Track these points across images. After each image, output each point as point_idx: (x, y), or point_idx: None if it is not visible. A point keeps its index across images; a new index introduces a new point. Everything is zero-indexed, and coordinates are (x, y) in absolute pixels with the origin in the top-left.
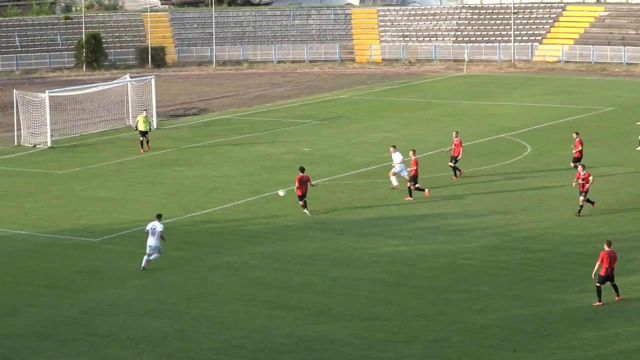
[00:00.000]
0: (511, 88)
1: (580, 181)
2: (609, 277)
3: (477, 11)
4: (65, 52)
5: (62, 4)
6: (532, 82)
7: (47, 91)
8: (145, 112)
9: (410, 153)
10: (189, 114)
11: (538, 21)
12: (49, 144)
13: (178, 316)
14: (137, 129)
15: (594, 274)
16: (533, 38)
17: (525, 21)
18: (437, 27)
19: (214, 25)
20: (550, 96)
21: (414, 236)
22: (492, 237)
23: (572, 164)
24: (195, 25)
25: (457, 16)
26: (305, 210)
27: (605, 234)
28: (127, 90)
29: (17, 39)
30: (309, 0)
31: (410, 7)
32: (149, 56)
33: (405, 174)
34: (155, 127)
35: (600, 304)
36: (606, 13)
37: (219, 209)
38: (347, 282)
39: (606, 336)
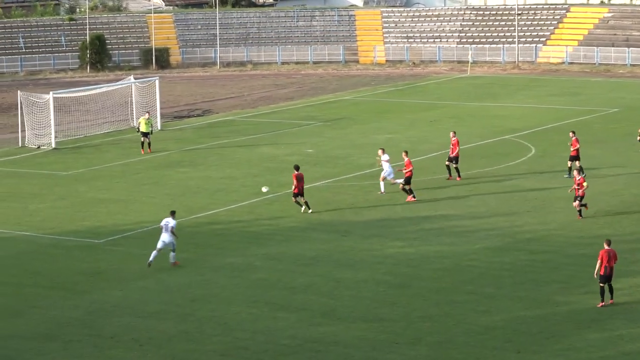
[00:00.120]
0: (515, 89)
1: (575, 186)
2: (609, 276)
3: (481, 12)
4: (70, 54)
5: (66, 6)
6: (536, 83)
7: (51, 92)
8: (147, 114)
9: (403, 154)
10: (193, 115)
11: (542, 22)
12: (53, 145)
13: (182, 317)
14: (138, 130)
15: (596, 274)
16: (537, 39)
17: (529, 22)
18: (441, 29)
19: (217, 27)
20: (554, 97)
21: (418, 237)
22: (497, 239)
23: (569, 163)
24: (199, 27)
25: (461, 17)
26: (304, 207)
27: (609, 236)
28: (131, 91)
29: (21, 40)
30: (313, 2)
31: (414, 9)
32: (153, 57)
33: (391, 177)
34: (159, 128)
35: (604, 304)
36: (610, 14)
37: (223, 210)
38: (351, 284)
39: (610, 338)
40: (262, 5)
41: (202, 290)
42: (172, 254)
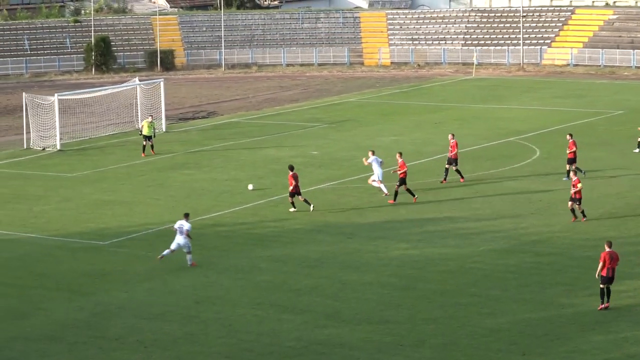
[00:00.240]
0: (520, 91)
1: (573, 188)
2: (611, 278)
3: (486, 14)
4: (75, 55)
5: (72, 7)
6: (541, 85)
7: (56, 94)
8: (150, 117)
9: (397, 156)
10: (198, 117)
11: (547, 24)
12: (58, 147)
13: (187, 319)
14: (140, 133)
15: (597, 275)
16: (542, 41)
17: (534, 24)
18: (446, 31)
19: (222, 29)
20: (559, 99)
21: (423, 240)
22: (502, 241)
23: (567, 166)
24: (204, 29)
25: (466, 19)
26: (301, 205)
27: (614, 238)
28: (136, 93)
29: (26, 42)
30: (318, 4)
31: (419, 11)
32: (158, 59)
33: (376, 181)
34: (164, 130)
35: (603, 306)
36: (615, 16)
37: (228, 212)
38: (356, 286)
39: (615, 340)
40: (267, 7)
41: (207, 292)
42: (188, 256)
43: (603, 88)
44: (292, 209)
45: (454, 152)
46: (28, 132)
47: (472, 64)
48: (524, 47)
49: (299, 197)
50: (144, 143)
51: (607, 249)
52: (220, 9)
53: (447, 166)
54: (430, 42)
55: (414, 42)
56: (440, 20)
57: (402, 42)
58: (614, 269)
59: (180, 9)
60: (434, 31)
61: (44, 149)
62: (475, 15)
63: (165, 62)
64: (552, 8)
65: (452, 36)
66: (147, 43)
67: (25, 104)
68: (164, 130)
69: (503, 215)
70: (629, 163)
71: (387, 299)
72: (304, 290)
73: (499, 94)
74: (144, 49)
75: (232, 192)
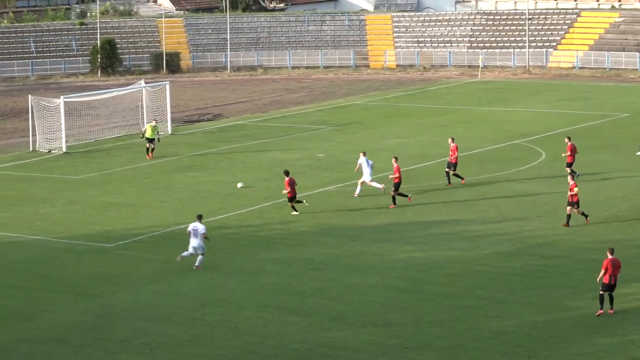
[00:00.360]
0: (526, 94)
1: (569, 192)
2: (613, 285)
3: (492, 17)
4: (80, 58)
5: (77, 10)
6: (546, 88)
7: (62, 97)
8: (154, 121)
9: (393, 160)
10: (203, 120)
11: (553, 27)
12: (64, 150)
13: (193, 322)
14: (142, 136)
15: (598, 280)
16: (548, 44)
17: (539, 27)
18: (452, 33)
19: (228, 31)
20: (564, 102)
21: (428, 242)
22: (507, 244)
23: (567, 169)
24: (209, 31)
25: (472, 22)
26: (294, 212)
27: (620, 241)
28: (142, 95)
29: (32, 44)
30: (324, 6)
31: (425, 13)
32: (164, 62)
33: (359, 187)
34: (170, 132)
35: (602, 312)
36: (621, 19)
37: (233, 214)
38: (361, 288)
39: (621, 343)
40: (273, 10)
41: (213, 295)
42: (199, 257)
43: (609, 91)
44: (294, 212)
45: (454, 156)
46: (34, 135)
47: (478, 66)
48: (530, 50)
49: (289, 202)
50: (148, 146)
51: (610, 256)
52: (226, 12)
53: (447, 170)
54: (436, 44)
55: (420, 44)
56: (446, 23)
57: (408, 44)
58: (616, 276)
59: (186, 12)
60: (439, 34)
61: (49, 152)
62: (481, 18)
63: (171, 64)
64: (558, 11)
65: (458, 39)
66: (153, 45)
67: (31, 107)
68: (169, 132)
69: (509, 217)
70: (634, 165)
71: (392, 302)
72: (309, 293)
73: (504, 96)
74: (150, 52)
75: (238, 195)
